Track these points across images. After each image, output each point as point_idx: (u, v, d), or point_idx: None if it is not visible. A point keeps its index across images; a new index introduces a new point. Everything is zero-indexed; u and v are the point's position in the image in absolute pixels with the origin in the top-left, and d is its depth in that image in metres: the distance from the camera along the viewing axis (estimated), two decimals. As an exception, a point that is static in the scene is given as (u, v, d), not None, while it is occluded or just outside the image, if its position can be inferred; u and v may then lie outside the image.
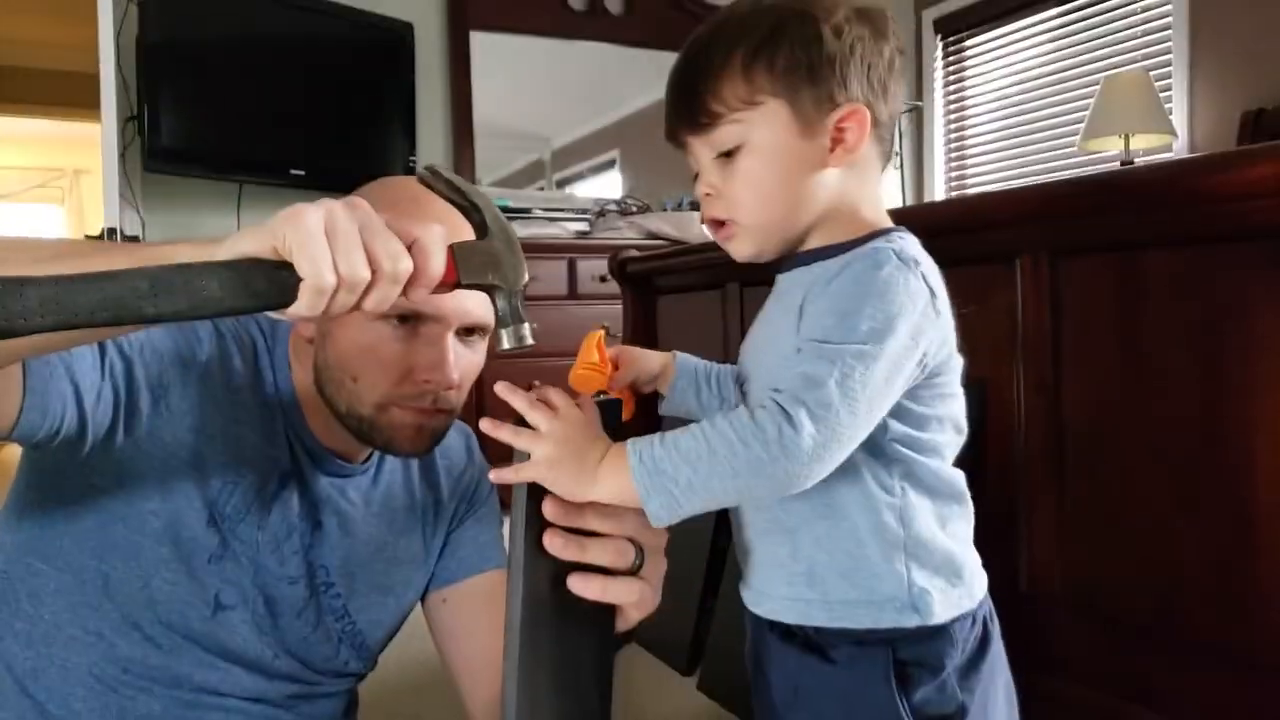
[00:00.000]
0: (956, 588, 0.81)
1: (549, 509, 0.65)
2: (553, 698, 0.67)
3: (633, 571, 0.69)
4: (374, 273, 0.59)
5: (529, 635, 0.63)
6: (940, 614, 0.79)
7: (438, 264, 0.62)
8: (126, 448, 0.84)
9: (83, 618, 0.87)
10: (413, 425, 0.90)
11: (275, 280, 0.57)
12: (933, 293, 0.76)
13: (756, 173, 0.82)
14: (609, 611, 0.71)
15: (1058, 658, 1.21)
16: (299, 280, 0.57)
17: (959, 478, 0.82)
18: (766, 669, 0.88)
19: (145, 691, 0.88)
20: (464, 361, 0.90)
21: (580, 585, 0.66)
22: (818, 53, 0.80)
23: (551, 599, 0.66)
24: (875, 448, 0.78)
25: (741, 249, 0.86)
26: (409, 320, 0.87)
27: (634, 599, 0.68)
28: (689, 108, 0.84)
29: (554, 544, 0.65)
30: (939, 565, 0.80)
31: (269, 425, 0.92)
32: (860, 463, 0.77)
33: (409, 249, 0.60)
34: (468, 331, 0.90)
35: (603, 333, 0.85)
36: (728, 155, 0.83)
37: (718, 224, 0.86)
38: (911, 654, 0.79)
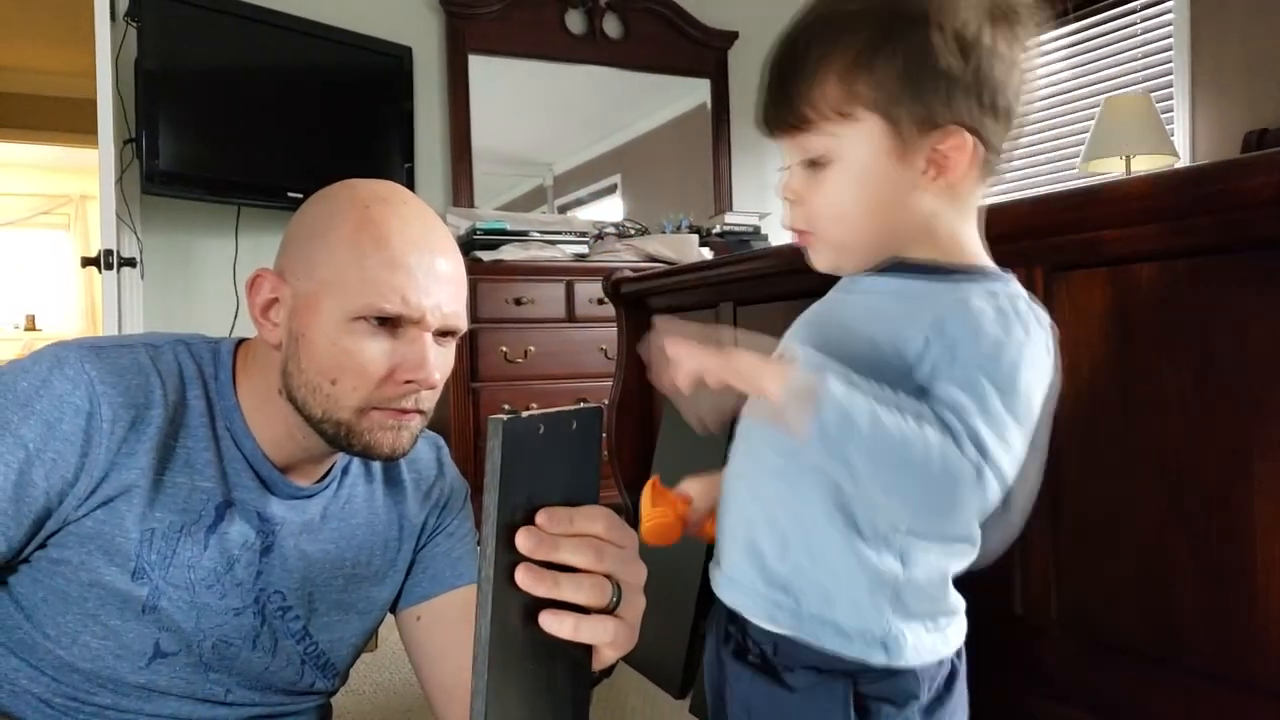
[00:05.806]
0: (933, 634, 0.76)
1: (523, 541, 0.59)
2: None
3: (609, 610, 0.64)
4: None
5: (498, 674, 0.59)
6: (911, 659, 0.74)
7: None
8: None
9: (8, 666, 0.85)
10: (393, 427, 0.88)
11: None
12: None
13: (842, 192, 0.75)
14: (584, 649, 0.67)
15: (1053, 681, 1.18)
16: None
17: (974, 521, 0.74)
18: (722, 689, 0.82)
19: (97, 716, 0.86)
20: (441, 362, 0.89)
21: (553, 624, 0.60)
22: (929, 65, 0.70)
23: (523, 634, 0.62)
24: None
25: (821, 261, 0.80)
26: (388, 322, 0.85)
27: (608, 639, 0.62)
28: (780, 105, 0.76)
29: (526, 579, 0.59)
30: (923, 612, 0.75)
31: (213, 455, 0.89)
32: None
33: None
34: (441, 334, 0.89)
35: (655, 479, 0.81)
36: (814, 163, 0.75)
37: (798, 231, 0.80)
38: (875, 690, 0.74)
